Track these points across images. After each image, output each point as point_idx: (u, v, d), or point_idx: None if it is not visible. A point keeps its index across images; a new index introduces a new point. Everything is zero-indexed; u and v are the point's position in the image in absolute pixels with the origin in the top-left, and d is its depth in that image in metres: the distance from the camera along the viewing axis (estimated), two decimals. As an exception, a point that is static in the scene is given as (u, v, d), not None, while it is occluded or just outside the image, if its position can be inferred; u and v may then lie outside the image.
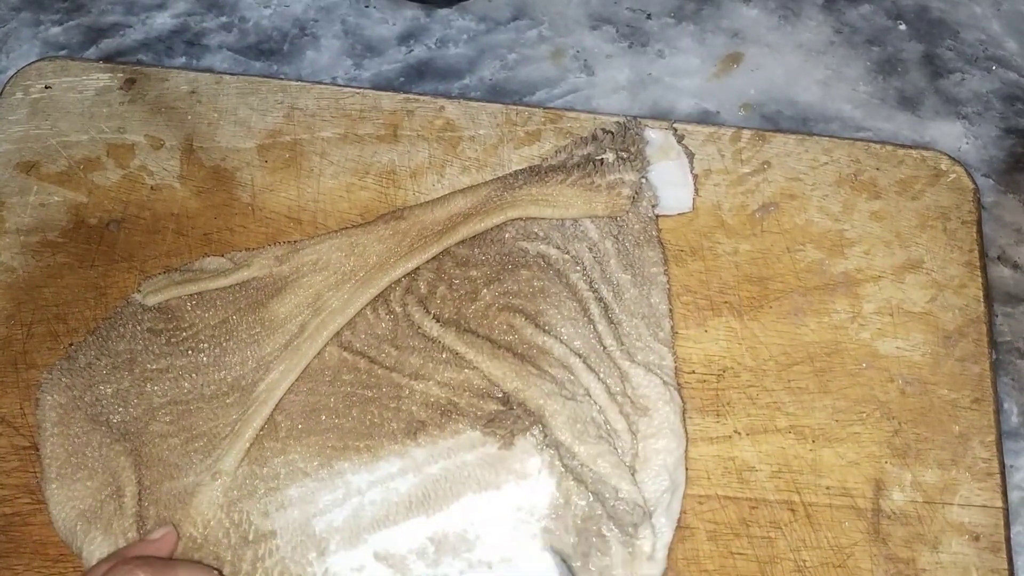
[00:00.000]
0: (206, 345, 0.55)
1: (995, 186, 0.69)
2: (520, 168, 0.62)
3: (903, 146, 0.66)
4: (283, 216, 0.62)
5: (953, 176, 0.65)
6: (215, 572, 0.49)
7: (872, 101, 0.71)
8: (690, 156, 0.63)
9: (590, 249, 0.58)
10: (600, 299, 0.57)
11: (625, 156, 0.59)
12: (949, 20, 0.75)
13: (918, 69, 0.73)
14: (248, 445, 0.52)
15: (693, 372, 0.59)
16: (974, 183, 0.65)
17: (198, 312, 0.57)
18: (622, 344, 0.56)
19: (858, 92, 0.72)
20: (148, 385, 0.54)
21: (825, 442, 0.57)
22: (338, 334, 0.55)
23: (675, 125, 0.64)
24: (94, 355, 0.56)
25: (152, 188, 0.62)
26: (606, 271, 0.58)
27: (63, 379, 0.55)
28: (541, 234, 0.59)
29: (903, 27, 0.74)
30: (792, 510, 0.56)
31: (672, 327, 0.58)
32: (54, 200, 0.62)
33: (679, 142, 0.63)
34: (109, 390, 0.54)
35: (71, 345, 0.57)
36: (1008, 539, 0.56)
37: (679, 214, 0.63)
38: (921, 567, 0.55)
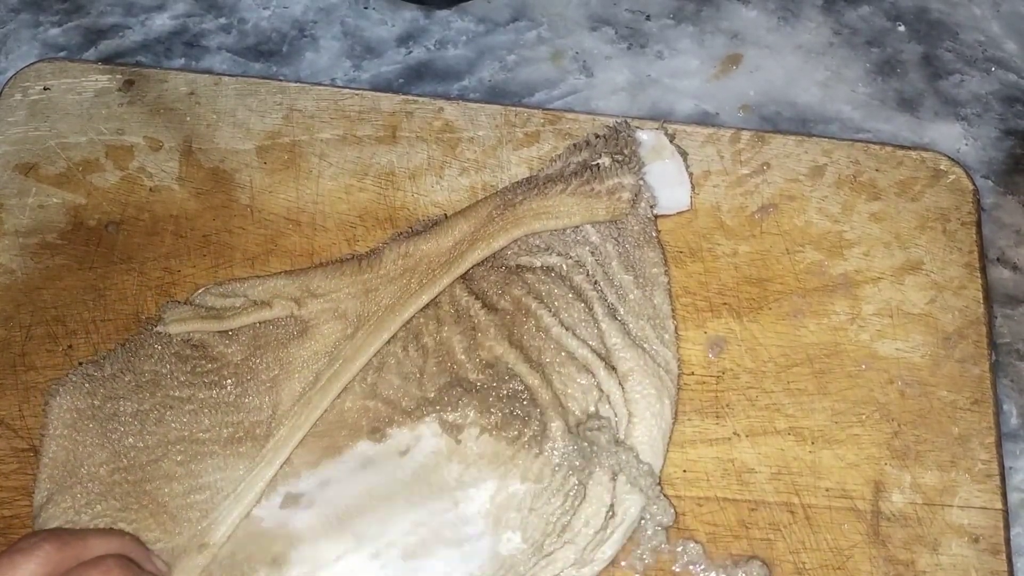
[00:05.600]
0: (229, 382, 0.54)
1: (994, 187, 0.69)
2: (517, 180, 0.62)
3: (902, 147, 0.66)
4: (282, 218, 0.62)
5: (952, 177, 0.65)
6: (126, 536, 0.48)
7: (871, 102, 0.71)
8: (683, 155, 0.63)
9: (592, 253, 0.58)
10: (605, 300, 0.57)
11: (620, 159, 0.59)
12: (948, 21, 0.75)
13: (917, 70, 0.73)
14: (247, 512, 0.51)
15: (692, 374, 0.59)
16: (973, 184, 0.65)
17: (220, 347, 0.56)
18: (629, 343, 0.56)
19: (857, 93, 0.72)
20: (168, 413, 0.53)
21: (824, 444, 0.57)
22: (363, 379, 0.55)
23: (665, 124, 0.64)
24: (119, 368, 0.55)
25: (151, 190, 0.62)
26: (609, 273, 0.58)
27: (85, 384, 0.54)
28: (542, 245, 0.58)
29: (902, 28, 0.74)
30: (791, 512, 0.56)
31: (675, 329, 0.58)
32: (53, 202, 0.61)
33: (671, 141, 0.63)
34: (129, 408, 0.53)
35: (70, 347, 0.57)
36: (1008, 541, 0.56)
37: (678, 213, 0.63)
38: (921, 569, 0.55)
